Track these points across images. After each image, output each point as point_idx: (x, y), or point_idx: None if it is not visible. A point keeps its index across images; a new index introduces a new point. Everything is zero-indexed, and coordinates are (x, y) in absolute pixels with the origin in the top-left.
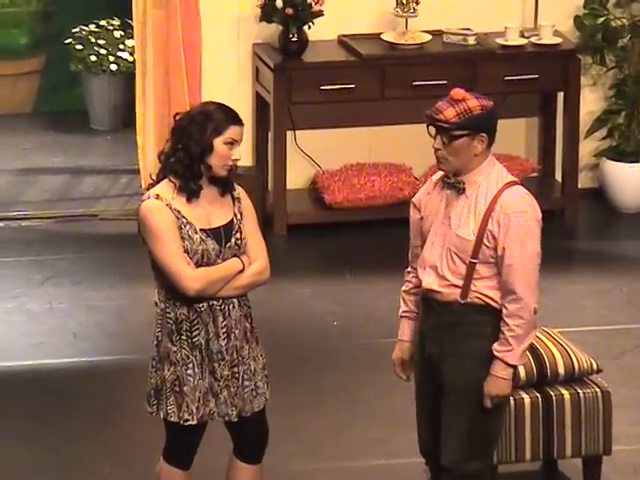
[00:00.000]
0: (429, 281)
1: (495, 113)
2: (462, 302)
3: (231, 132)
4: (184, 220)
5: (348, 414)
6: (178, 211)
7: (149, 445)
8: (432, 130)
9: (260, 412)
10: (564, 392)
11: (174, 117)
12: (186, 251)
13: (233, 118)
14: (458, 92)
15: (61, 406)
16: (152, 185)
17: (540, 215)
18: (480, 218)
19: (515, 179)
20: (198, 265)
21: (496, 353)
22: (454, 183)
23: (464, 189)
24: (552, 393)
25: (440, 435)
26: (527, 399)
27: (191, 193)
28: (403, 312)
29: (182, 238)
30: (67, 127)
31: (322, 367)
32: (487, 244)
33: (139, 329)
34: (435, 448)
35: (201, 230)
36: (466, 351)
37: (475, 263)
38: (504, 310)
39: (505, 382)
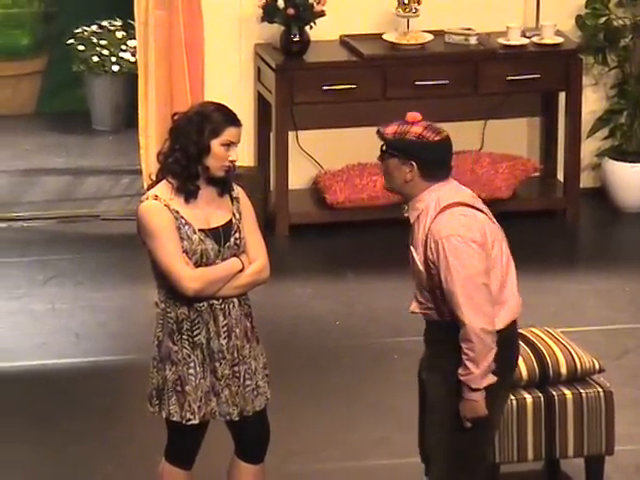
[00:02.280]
0: (413, 304)
1: (439, 148)
2: (441, 320)
3: (228, 133)
4: (183, 220)
5: (350, 414)
6: (177, 211)
7: (151, 445)
8: None
9: (261, 411)
10: (566, 392)
11: (172, 117)
12: (185, 251)
13: (231, 119)
14: (412, 115)
15: (64, 406)
16: (152, 185)
17: (475, 234)
18: (422, 248)
19: (456, 201)
20: (197, 265)
21: (460, 377)
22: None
23: (408, 216)
24: (554, 393)
25: None
26: (529, 399)
27: (189, 194)
28: None
29: (181, 238)
30: (69, 128)
31: (324, 367)
32: (432, 272)
33: (141, 329)
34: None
35: (200, 230)
36: (444, 368)
37: (432, 290)
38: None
39: (476, 404)
